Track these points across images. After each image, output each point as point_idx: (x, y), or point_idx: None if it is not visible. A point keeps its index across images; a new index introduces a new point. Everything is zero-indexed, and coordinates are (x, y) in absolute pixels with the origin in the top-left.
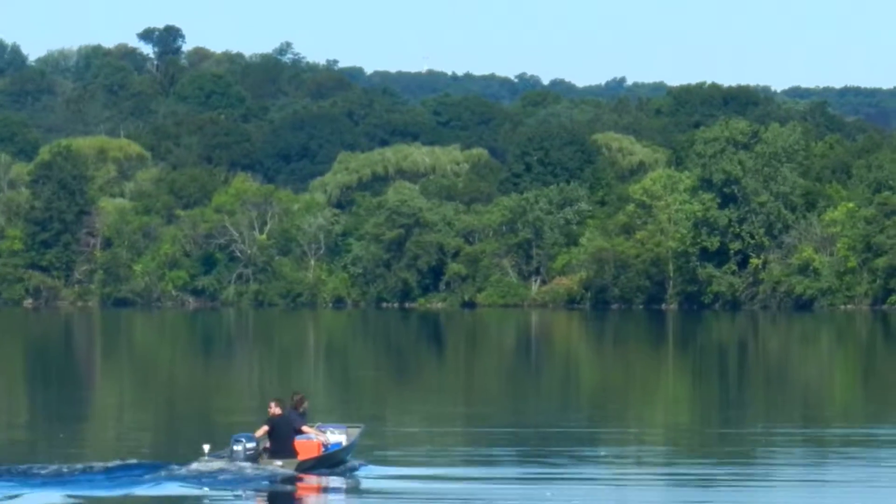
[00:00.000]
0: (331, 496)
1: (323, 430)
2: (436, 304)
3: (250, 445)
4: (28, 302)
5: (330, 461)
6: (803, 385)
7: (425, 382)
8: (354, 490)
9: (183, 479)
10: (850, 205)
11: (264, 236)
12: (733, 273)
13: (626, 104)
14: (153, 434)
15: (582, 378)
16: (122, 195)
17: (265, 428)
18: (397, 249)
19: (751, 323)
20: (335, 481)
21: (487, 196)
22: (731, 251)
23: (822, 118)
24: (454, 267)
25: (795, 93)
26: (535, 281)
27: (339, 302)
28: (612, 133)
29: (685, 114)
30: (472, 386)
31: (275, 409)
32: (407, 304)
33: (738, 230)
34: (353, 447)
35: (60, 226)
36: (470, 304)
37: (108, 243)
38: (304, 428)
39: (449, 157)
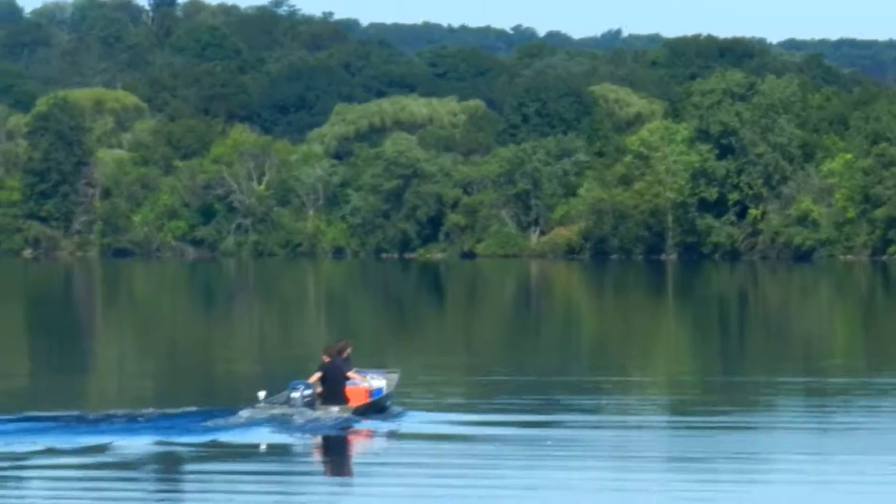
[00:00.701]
0: (391, 442)
1: (363, 375)
2: (435, 254)
3: (307, 392)
4: (27, 252)
5: (377, 407)
6: (803, 335)
7: (425, 333)
8: (409, 435)
9: (261, 423)
10: (848, 156)
11: (263, 187)
12: (732, 224)
13: (622, 56)
14: (154, 384)
15: (582, 328)
16: (119, 146)
17: (318, 374)
18: (396, 200)
19: (750, 273)
20: (387, 426)
21: (485, 147)
22: (730, 202)
23: (819, 70)
24: (453, 218)
25: (791, 45)
26: (534, 231)
27: (338, 252)
28: (609, 84)
29: (681, 66)
30: (472, 336)
31: (325, 357)
32: (406, 255)
33: (736, 181)
34: (392, 395)
35: (59, 176)
36: (469, 255)
37: (106, 194)
38: (351, 374)
39: (446, 109)
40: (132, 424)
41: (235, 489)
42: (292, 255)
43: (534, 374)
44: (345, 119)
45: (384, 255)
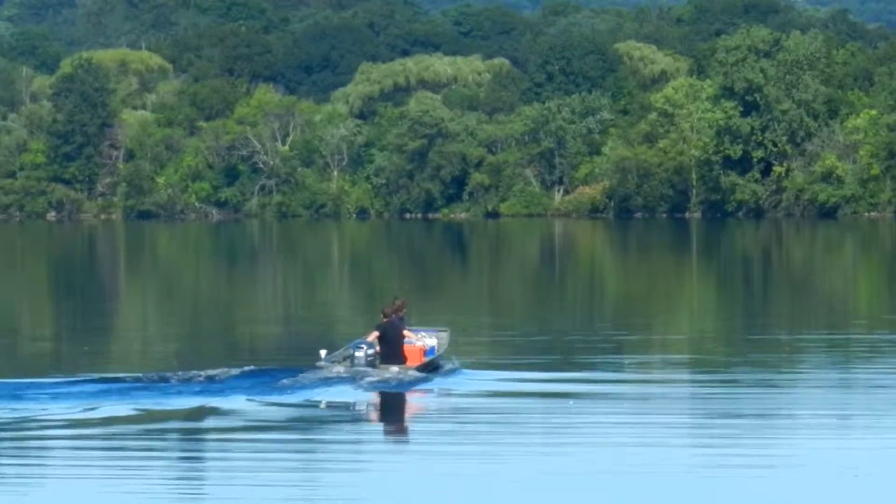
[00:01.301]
0: (459, 400)
1: (416, 333)
2: (459, 214)
3: (370, 352)
4: (51, 215)
5: (432, 366)
6: (828, 292)
7: (449, 292)
8: (474, 393)
9: (336, 382)
10: (873, 112)
11: (287, 147)
12: (756, 181)
13: (646, 13)
14: (178, 345)
15: (606, 287)
16: (143, 107)
17: (375, 334)
18: (420, 160)
19: (774, 231)
20: (446, 384)
21: (510, 106)
22: (754, 159)
23: (843, 26)
24: (477, 177)
25: (816, 0)
26: (559, 190)
27: (362, 213)
28: (634, 42)
29: (706, 22)
30: (497, 296)
31: (384, 316)
32: (430, 215)
33: (760, 138)
34: (443, 354)
35: (83, 138)
36: (493, 214)
37: (130, 155)
38: (406, 333)
39: (470, 68)
40: (210, 385)
41: (306, 448)
42: (316, 216)
43: (556, 333)
44: (369, 78)
45: (408, 216)
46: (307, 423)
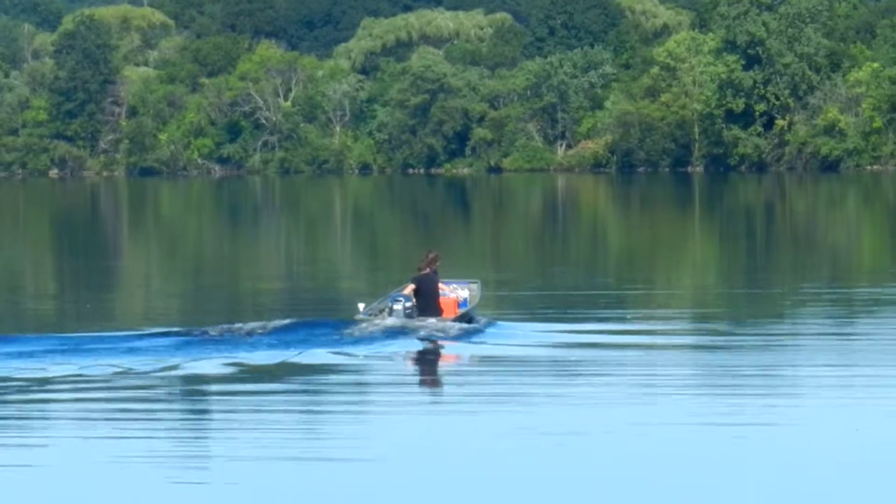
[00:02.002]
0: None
1: (448, 285)
2: (462, 169)
3: (408, 304)
4: (54, 172)
5: (466, 318)
6: (831, 246)
7: (452, 247)
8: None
9: (383, 335)
10: (875, 65)
11: (289, 103)
12: (759, 135)
13: None
14: (182, 302)
15: (609, 241)
16: (146, 64)
17: (411, 286)
18: (422, 115)
19: (777, 184)
20: (495, 336)
21: (512, 61)
22: (757, 113)
23: None
24: (479, 132)
25: None
26: (561, 145)
27: (365, 168)
28: None
29: None
30: (500, 250)
31: (420, 269)
32: (433, 170)
33: (762, 92)
34: (475, 305)
35: (85, 95)
36: (496, 169)
37: (132, 112)
38: (440, 286)
39: (472, 22)
40: (257, 339)
41: (358, 398)
42: (318, 172)
43: (560, 288)
44: (371, 34)
45: (410, 171)
46: (391, 374)
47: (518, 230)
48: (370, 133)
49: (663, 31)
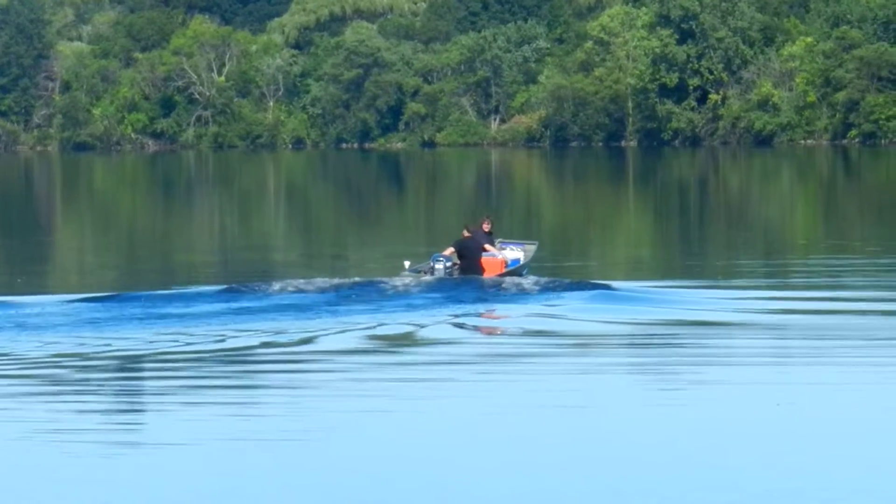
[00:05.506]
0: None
1: (504, 247)
2: (395, 143)
3: (448, 264)
4: None
5: (515, 275)
6: (764, 219)
7: (386, 222)
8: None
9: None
10: (809, 39)
11: (223, 78)
12: (692, 109)
13: None
14: (116, 273)
15: (543, 215)
16: (79, 39)
17: (450, 249)
18: (356, 90)
19: (711, 159)
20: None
21: (445, 35)
22: (690, 87)
23: None
24: (413, 106)
25: None
26: (495, 119)
27: (298, 143)
28: None
29: None
30: (434, 225)
31: (465, 233)
32: (366, 145)
33: (696, 66)
34: (529, 264)
35: (18, 70)
36: (429, 144)
37: (66, 87)
38: (487, 246)
39: None
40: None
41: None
42: (252, 147)
43: None
44: (305, 8)
45: (344, 146)
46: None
47: (451, 205)
48: (304, 108)
49: (597, 6)
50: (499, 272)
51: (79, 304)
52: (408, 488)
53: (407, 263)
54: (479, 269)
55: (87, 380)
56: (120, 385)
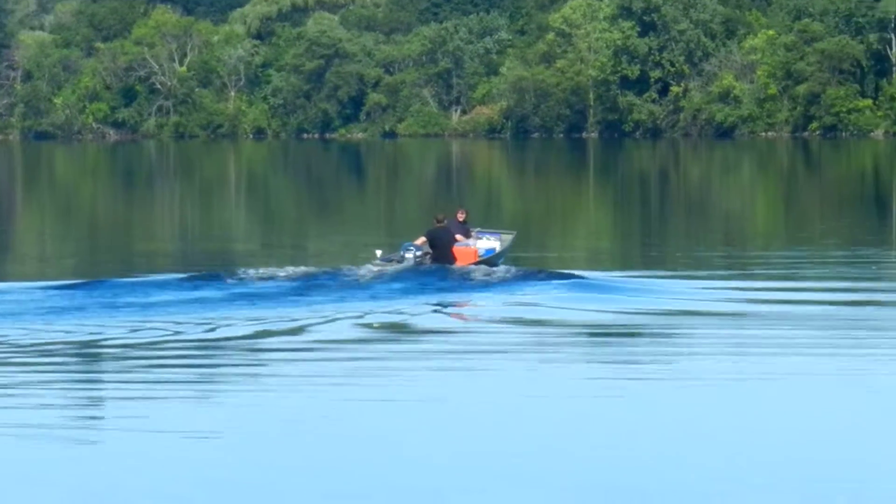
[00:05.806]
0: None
1: (480, 236)
2: (356, 134)
3: (419, 253)
4: None
5: (489, 264)
6: (725, 211)
7: (346, 213)
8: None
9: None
10: (770, 32)
11: (184, 68)
12: (654, 101)
13: None
14: (76, 261)
15: (504, 206)
16: (41, 28)
17: (423, 239)
18: (317, 80)
19: (672, 151)
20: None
21: (407, 26)
22: (652, 79)
23: None
24: (374, 97)
25: None
26: (456, 111)
27: (259, 133)
28: None
29: None
30: (394, 216)
31: (437, 223)
32: (327, 135)
33: (658, 58)
34: (505, 253)
35: None
36: (391, 135)
37: (28, 76)
38: (459, 236)
39: None
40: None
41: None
42: (213, 137)
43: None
44: None
45: (305, 136)
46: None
47: (411, 195)
48: (265, 98)
49: None
50: (471, 261)
51: (39, 293)
52: (371, 479)
53: (378, 252)
54: (452, 259)
55: (47, 369)
56: (82, 375)
